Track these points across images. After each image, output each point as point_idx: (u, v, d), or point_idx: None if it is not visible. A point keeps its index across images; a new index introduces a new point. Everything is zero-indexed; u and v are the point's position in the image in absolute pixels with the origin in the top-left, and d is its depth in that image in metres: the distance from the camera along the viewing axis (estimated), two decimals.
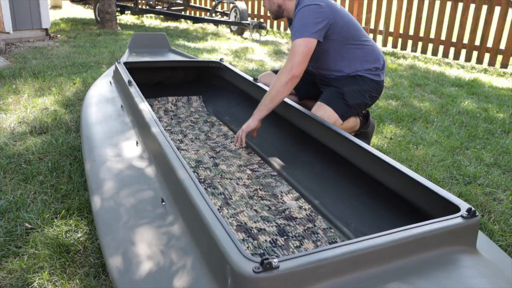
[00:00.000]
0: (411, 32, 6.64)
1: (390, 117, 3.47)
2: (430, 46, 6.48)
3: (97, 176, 1.68)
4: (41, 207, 1.95)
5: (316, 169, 2.11)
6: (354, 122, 2.33)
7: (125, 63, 2.80)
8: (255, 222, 1.78)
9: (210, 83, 3.24)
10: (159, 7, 9.74)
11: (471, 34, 5.96)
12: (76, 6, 12.17)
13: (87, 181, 1.70)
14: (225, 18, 8.30)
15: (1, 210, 1.93)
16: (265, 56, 5.99)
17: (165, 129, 2.75)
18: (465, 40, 6.08)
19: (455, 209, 1.27)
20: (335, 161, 1.98)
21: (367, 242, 1.08)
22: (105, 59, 5.04)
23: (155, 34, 3.47)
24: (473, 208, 1.22)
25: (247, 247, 1.63)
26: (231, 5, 8.01)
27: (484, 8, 5.83)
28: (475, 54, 6.08)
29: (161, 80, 3.19)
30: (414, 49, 6.61)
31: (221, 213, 1.84)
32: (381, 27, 6.96)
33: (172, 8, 9.40)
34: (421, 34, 6.54)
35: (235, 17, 7.89)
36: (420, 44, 6.55)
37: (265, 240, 1.67)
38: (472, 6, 5.95)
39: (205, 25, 8.79)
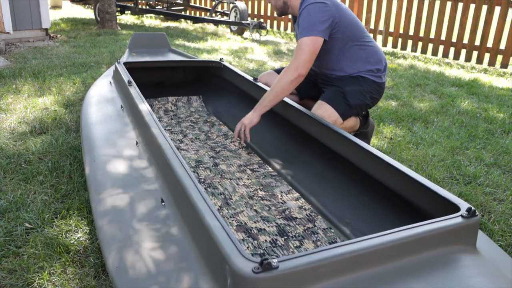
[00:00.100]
0: (411, 32, 6.63)
1: (390, 117, 3.47)
2: (430, 46, 6.47)
3: (97, 176, 1.68)
4: (41, 207, 1.95)
5: (316, 169, 2.11)
6: (354, 121, 2.34)
7: (125, 63, 2.80)
8: (255, 222, 1.78)
9: (210, 83, 3.24)
10: (159, 7, 9.74)
11: (471, 34, 5.95)
12: (76, 6, 12.17)
13: (87, 181, 1.70)
14: (225, 18, 8.30)
15: (1, 210, 1.93)
16: (265, 56, 5.99)
17: (165, 129, 2.75)
18: (465, 40, 6.07)
19: (455, 208, 1.28)
20: (335, 160, 1.98)
21: (367, 242, 1.08)
22: (105, 59, 5.04)
23: (155, 34, 3.47)
24: (473, 208, 1.22)
25: (247, 247, 1.63)
26: (231, 5, 8.01)
27: (484, 8, 5.83)
28: (475, 54, 6.08)
29: (161, 80, 3.19)
30: (414, 49, 6.61)
31: (221, 213, 1.85)
32: (381, 27, 6.96)
33: (172, 8, 9.40)
34: (421, 34, 6.53)
35: (235, 17, 7.89)
36: (420, 44, 6.55)
37: (265, 240, 1.67)
38: (472, 6, 5.95)
39: (205, 25, 8.79)
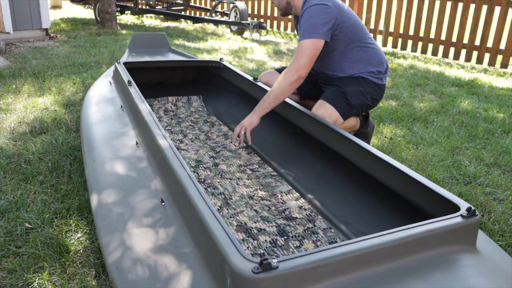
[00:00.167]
0: (411, 32, 6.63)
1: (390, 117, 3.47)
2: (430, 46, 6.47)
3: (97, 176, 1.68)
4: (41, 207, 1.95)
5: (316, 168, 2.11)
6: (354, 121, 2.34)
7: (125, 63, 2.80)
8: (255, 222, 1.78)
9: (210, 83, 3.24)
10: (159, 7, 9.74)
11: (471, 34, 5.95)
12: (76, 6, 12.17)
13: (87, 181, 1.70)
14: (225, 18, 8.30)
15: (1, 210, 1.93)
16: (265, 56, 5.99)
17: (165, 129, 2.75)
18: (465, 40, 6.07)
19: (455, 208, 1.27)
20: (335, 160, 1.98)
21: (367, 242, 1.08)
22: (105, 59, 5.04)
23: (155, 34, 3.47)
24: (473, 208, 1.22)
25: (247, 247, 1.63)
26: (231, 5, 8.01)
27: (484, 8, 5.83)
28: (475, 54, 6.08)
29: (161, 80, 3.19)
30: (414, 49, 6.61)
31: (221, 213, 1.84)
32: (381, 27, 6.96)
33: (172, 8, 9.41)
34: (421, 34, 6.53)
35: (235, 17, 7.89)
36: (420, 44, 6.55)
37: (265, 240, 1.67)
38: (472, 6, 5.95)
39: (205, 25, 8.79)
